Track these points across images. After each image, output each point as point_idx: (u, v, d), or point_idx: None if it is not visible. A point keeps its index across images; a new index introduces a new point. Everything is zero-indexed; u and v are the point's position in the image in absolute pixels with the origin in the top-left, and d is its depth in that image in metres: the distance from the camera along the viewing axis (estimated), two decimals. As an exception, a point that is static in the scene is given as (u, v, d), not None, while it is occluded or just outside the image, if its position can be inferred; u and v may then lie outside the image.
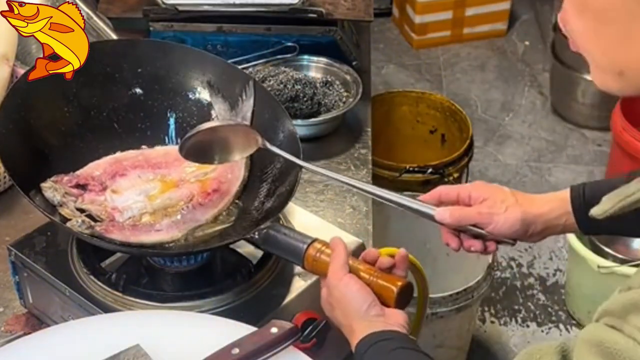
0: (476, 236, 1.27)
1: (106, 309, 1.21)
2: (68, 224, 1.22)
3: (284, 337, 1.10)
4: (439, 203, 1.27)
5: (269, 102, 1.38)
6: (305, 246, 1.18)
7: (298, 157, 1.28)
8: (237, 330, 1.12)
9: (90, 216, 1.26)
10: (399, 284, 1.12)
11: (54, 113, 1.33)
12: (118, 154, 1.37)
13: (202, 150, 1.26)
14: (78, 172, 1.32)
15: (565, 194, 1.27)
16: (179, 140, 1.37)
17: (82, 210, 1.27)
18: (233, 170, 1.35)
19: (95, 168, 1.34)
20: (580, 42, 0.85)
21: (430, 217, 1.25)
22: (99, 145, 1.36)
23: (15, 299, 1.37)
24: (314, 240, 1.19)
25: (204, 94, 1.41)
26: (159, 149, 1.39)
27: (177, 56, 1.42)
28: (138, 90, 1.40)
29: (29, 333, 1.26)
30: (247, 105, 1.36)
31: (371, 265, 1.16)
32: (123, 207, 1.29)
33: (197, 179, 1.34)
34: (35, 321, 1.34)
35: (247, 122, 1.34)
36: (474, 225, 1.25)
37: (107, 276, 1.25)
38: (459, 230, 1.27)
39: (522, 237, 1.27)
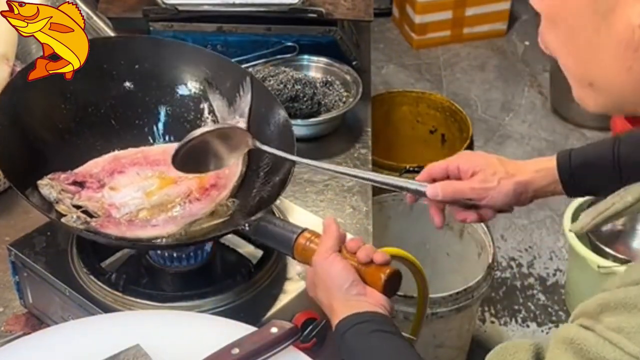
0: (468, 207, 1.27)
1: (106, 309, 1.21)
2: (63, 219, 1.22)
3: (284, 337, 1.10)
4: (432, 181, 1.28)
5: (265, 96, 1.38)
6: (295, 236, 1.18)
7: (292, 149, 1.28)
8: (237, 330, 1.12)
9: (87, 212, 1.26)
10: (387, 271, 1.13)
11: (50, 109, 1.33)
12: (117, 152, 1.36)
13: (195, 160, 1.25)
14: (76, 170, 1.32)
15: (552, 162, 1.28)
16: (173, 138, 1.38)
17: (78, 207, 1.27)
18: (230, 166, 1.35)
19: (94, 166, 1.34)
20: (556, 56, 0.89)
21: (423, 194, 1.25)
22: (96, 142, 1.36)
23: (15, 299, 1.37)
24: (304, 230, 1.19)
25: (201, 91, 1.41)
26: (158, 146, 1.39)
27: (174, 52, 1.42)
28: (135, 87, 1.40)
29: (29, 333, 1.25)
30: (245, 101, 1.36)
31: (352, 253, 1.16)
32: (120, 203, 1.29)
33: (195, 175, 1.34)
34: (35, 321, 1.34)
35: (245, 118, 1.34)
36: (467, 199, 1.26)
37: (107, 276, 1.25)
38: (450, 203, 1.27)
39: (513, 204, 1.28)
